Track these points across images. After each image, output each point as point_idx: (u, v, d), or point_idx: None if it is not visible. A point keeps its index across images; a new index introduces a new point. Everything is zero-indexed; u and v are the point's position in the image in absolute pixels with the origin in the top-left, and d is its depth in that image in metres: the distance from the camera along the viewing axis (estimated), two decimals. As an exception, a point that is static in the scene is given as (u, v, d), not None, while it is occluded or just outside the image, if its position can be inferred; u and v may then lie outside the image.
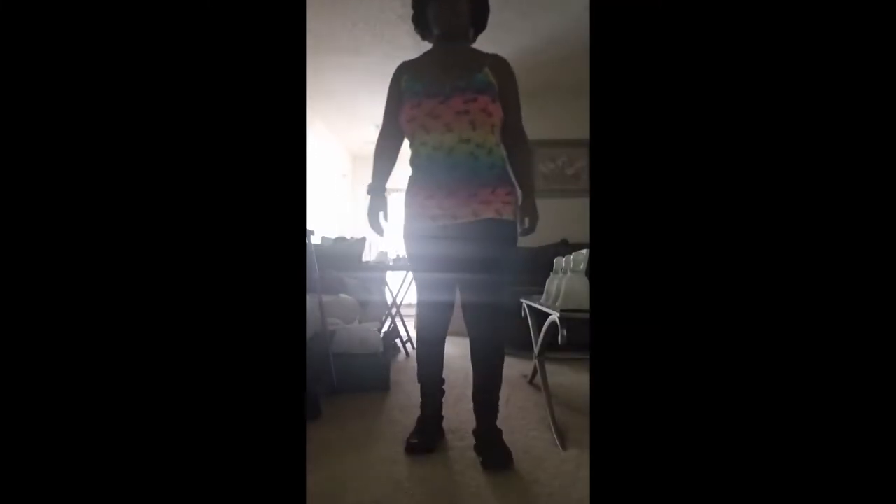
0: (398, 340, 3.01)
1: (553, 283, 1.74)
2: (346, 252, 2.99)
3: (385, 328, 2.92)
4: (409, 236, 1.43)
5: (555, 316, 1.53)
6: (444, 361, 1.51)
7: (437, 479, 1.24)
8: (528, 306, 1.94)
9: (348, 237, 3.34)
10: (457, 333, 1.53)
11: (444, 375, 1.52)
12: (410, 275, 3.14)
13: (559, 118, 3.72)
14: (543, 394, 1.75)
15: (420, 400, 1.51)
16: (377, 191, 1.44)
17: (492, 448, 1.34)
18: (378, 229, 1.45)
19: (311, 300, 1.88)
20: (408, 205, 1.42)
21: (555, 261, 1.80)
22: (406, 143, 1.47)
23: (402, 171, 1.46)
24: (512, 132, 1.41)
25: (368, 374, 2.08)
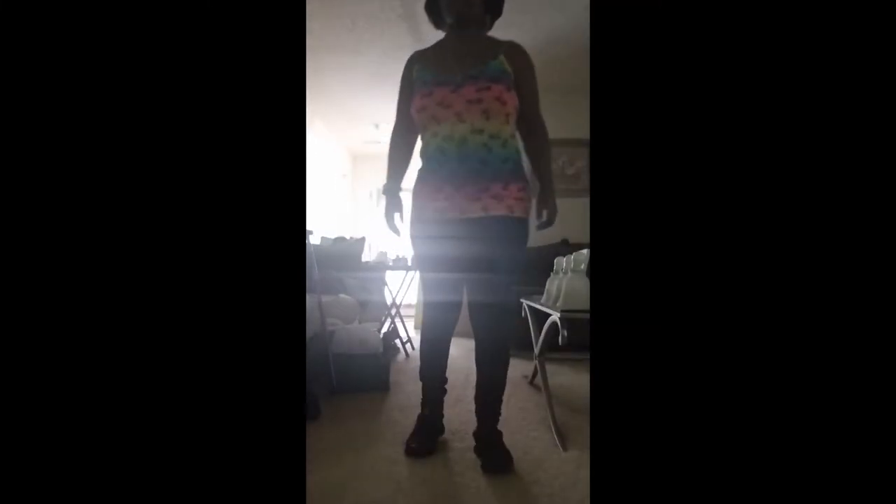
0: (398, 341, 3.01)
1: (553, 284, 1.74)
2: (346, 252, 2.99)
3: (385, 328, 2.92)
4: (414, 231, 1.37)
5: (555, 316, 1.53)
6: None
7: (437, 480, 1.24)
8: (529, 306, 1.93)
9: (348, 237, 3.34)
10: (458, 333, 1.52)
11: (445, 375, 1.49)
12: (410, 275, 3.14)
13: (559, 118, 3.71)
14: (544, 394, 1.75)
15: (420, 399, 1.49)
16: (392, 191, 1.39)
17: (492, 451, 1.32)
18: (395, 230, 1.40)
19: (310, 300, 1.87)
20: (415, 198, 1.36)
21: (555, 261, 1.80)
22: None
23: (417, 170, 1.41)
24: (529, 122, 1.34)
25: (368, 374, 2.08)
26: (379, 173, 5.17)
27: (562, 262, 1.74)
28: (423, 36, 2.89)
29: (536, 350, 1.87)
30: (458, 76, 1.25)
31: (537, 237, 1.55)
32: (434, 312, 1.40)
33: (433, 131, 1.28)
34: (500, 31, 1.36)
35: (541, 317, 1.80)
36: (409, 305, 3.82)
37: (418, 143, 1.41)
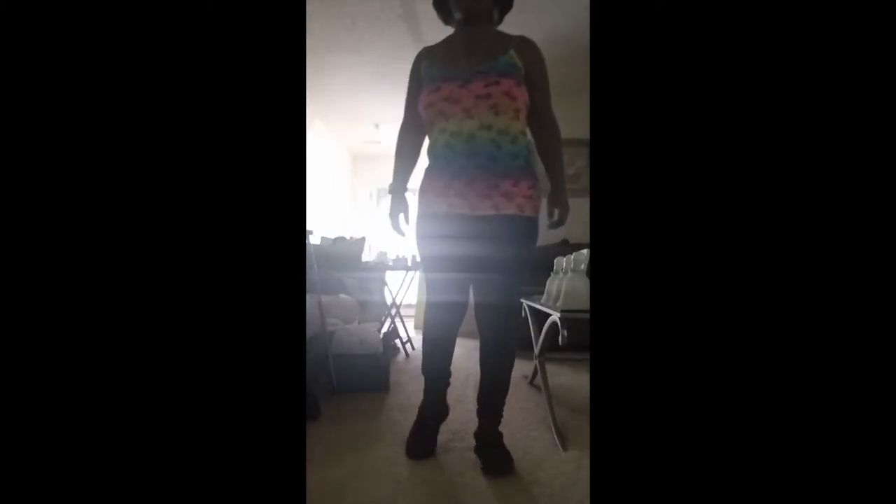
0: (398, 341, 3.01)
1: (553, 284, 1.74)
2: (346, 252, 2.99)
3: (385, 328, 2.92)
4: (421, 229, 1.33)
5: (555, 316, 1.53)
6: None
7: (437, 480, 1.24)
8: (529, 306, 1.93)
9: (348, 237, 3.34)
10: (459, 333, 1.51)
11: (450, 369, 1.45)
12: (410, 275, 3.14)
13: (559, 118, 3.72)
14: (544, 394, 1.75)
15: (421, 401, 1.45)
16: (398, 191, 1.36)
17: (493, 453, 1.32)
18: (399, 231, 1.37)
19: (310, 300, 1.87)
20: (422, 195, 1.32)
21: (555, 261, 1.80)
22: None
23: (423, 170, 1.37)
24: (540, 118, 1.31)
25: (368, 374, 2.08)
26: (379, 173, 5.22)
27: (562, 262, 1.74)
28: (423, 36, 2.89)
29: (536, 350, 1.87)
30: (467, 71, 1.22)
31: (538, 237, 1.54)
32: (439, 311, 1.36)
33: (441, 128, 1.25)
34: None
35: (541, 317, 1.80)
36: (409, 305, 3.82)
37: (425, 144, 1.38)
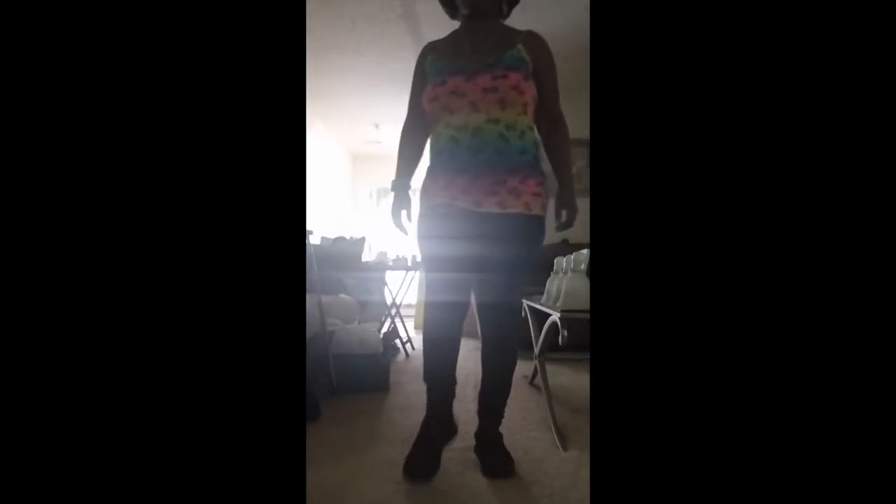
0: (398, 341, 3.01)
1: (554, 284, 1.74)
2: (346, 252, 2.99)
3: (385, 328, 2.92)
4: (422, 228, 1.26)
5: (555, 316, 1.53)
6: None
7: (437, 480, 1.24)
8: (529, 306, 1.93)
9: (348, 237, 3.34)
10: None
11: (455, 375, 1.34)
12: (410, 275, 3.14)
13: (559, 118, 3.71)
14: (544, 394, 1.75)
15: (423, 417, 1.31)
16: (401, 188, 1.31)
17: (494, 453, 1.31)
18: (402, 229, 1.32)
19: (310, 300, 1.87)
20: (423, 193, 1.26)
21: (555, 261, 1.80)
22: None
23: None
24: (548, 115, 1.27)
25: (368, 374, 2.08)
26: (379, 173, 5.22)
27: (562, 262, 1.74)
28: (423, 36, 2.89)
29: (536, 350, 1.87)
30: (474, 65, 1.18)
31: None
32: (441, 311, 1.27)
33: (445, 122, 1.20)
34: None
35: (541, 317, 1.80)
36: (409, 305, 3.82)
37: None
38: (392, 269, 3.21)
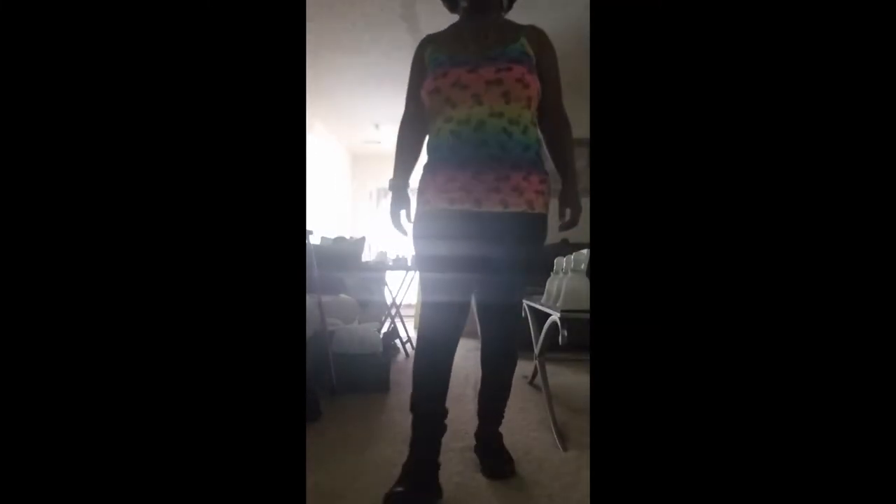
0: (398, 341, 3.01)
1: (553, 284, 1.74)
2: (346, 252, 2.99)
3: (385, 328, 2.92)
4: (419, 229, 1.19)
5: (555, 316, 1.53)
6: None
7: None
8: (529, 306, 1.94)
9: (348, 237, 3.35)
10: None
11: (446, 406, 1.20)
12: (410, 275, 3.15)
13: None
14: (544, 394, 1.75)
15: (410, 437, 1.18)
16: (399, 188, 1.25)
17: (493, 454, 1.31)
18: (401, 230, 1.27)
19: (310, 300, 1.88)
20: (421, 193, 1.20)
21: (555, 261, 1.80)
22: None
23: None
24: (551, 111, 1.23)
25: (368, 374, 2.08)
26: (379, 173, 5.22)
27: (562, 262, 1.74)
28: (423, 35, 2.89)
29: (536, 350, 1.87)
30: (476, 56, 1.14)
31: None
32: (436, 322, 1.18)
33: (447, 116, 1.14)
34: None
35: (541, 317, 1.80)
36: (409, 305, 3.82)
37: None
38: (392, 269, 3.21)
